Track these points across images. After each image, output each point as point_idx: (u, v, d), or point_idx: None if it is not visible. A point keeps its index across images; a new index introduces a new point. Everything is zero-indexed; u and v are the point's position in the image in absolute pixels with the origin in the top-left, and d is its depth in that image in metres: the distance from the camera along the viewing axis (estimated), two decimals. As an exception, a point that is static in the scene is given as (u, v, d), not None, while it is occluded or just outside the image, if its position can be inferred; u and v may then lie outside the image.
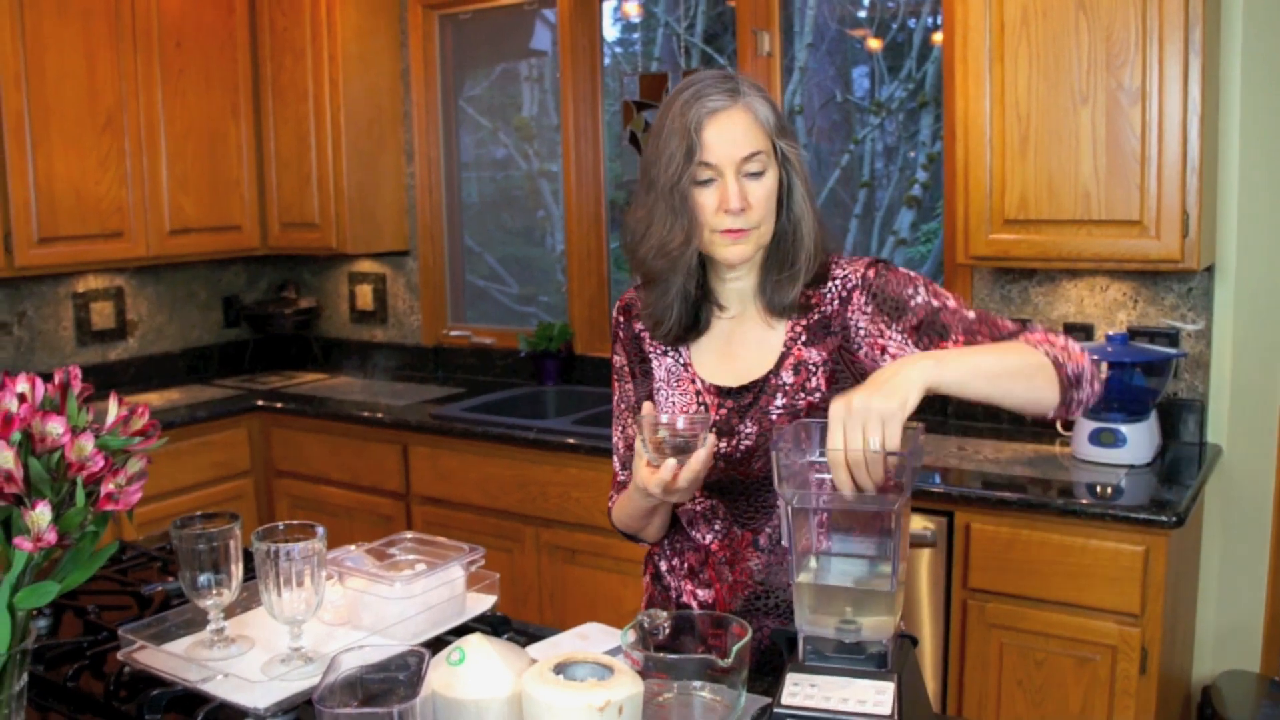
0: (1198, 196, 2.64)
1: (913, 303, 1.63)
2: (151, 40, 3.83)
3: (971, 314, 1.62)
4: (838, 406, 1.34)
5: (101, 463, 1.18)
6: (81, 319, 4.07)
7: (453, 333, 4.37)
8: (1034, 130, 2.78)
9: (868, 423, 1.31)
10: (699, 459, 1.50)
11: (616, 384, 1.88)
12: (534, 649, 1.63)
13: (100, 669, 1.70)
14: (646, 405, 1.63)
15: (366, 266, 4.56)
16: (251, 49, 4.20)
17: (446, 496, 3.58)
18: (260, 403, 4.00)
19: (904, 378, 1.36)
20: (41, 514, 1.13)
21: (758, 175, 1.59)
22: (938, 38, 4.42)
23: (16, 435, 1.14)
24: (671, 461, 1.50)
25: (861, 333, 1.66)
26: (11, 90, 3.44)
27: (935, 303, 1.62)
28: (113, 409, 1.25)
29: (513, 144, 4.57)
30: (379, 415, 3.72)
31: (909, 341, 1.61)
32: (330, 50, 4.05)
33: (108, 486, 1.18)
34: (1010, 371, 1.48)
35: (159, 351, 4.35)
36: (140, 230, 3.86)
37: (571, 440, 3.27)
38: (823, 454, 1.35)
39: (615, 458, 1.89)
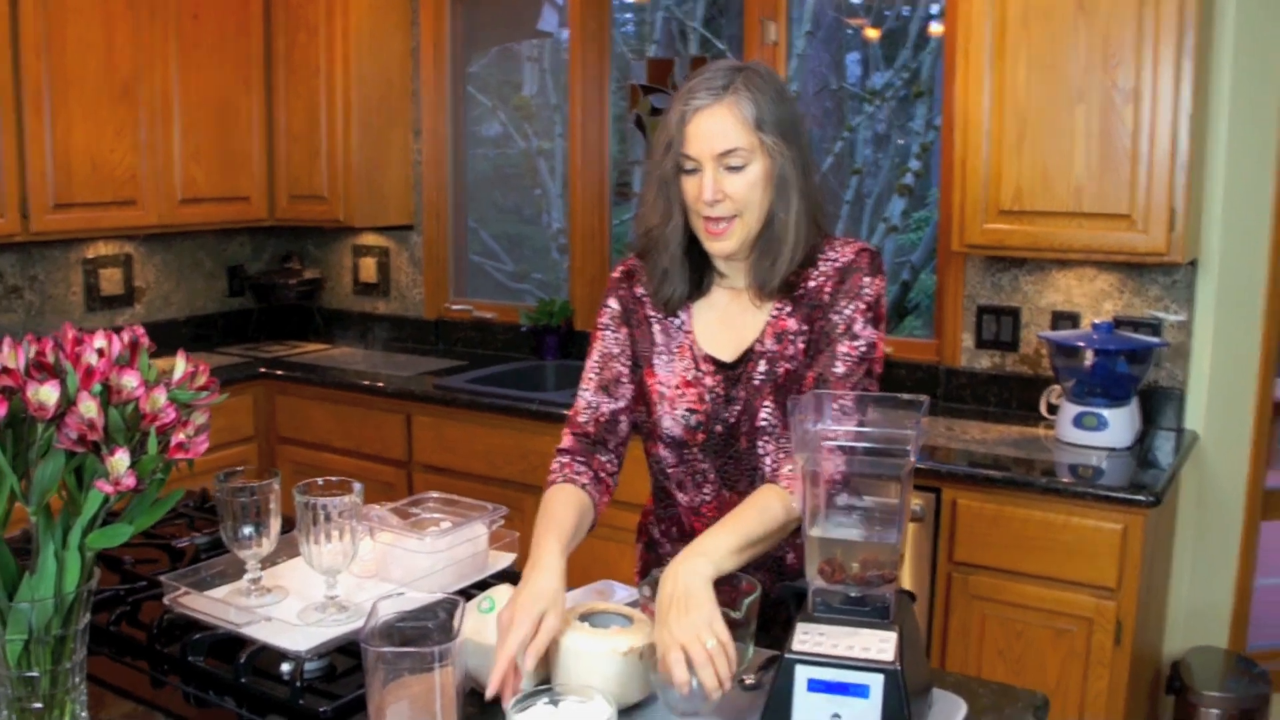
0: (1185, 193, 2.75)
1: (834, 315, 1.72)
2: (169, 13, 3.89)
3: (848, 383, 1.69)
4: (664, 641, 1.40)
5: (173, 414, 1.27)
6: (91, 284, 4.14)
7: (454, 307, 4.47)
8: (1030, 125, 2.89)
9: (701, 636, 1.39)
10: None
11: (601, 334, 1.89)
12: (555, 602, 1.73)
13: (136, 617, 1.80)
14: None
15: (370, 240, 4.64)
16: (265, 24, 4.26)
17: (449, 465, 3.68)
18: (263, 370, 4.09)
19: (696, 589, 1.44)
20: (120, 460, 1.22)
21: (738, 169, 1.66)
22: (935, 28, 4.52)
23: (97, 387, 1.23)
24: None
25: (826, 302, 1.75)
26: (32, 59, 3.50)
27: (842, 343, 1.70)
28: (180, 365, 1.34)
29: (510, 122, 4.66)
30: (383, 385, 3.81)
31: (812, 331, 1.74)
32: (343, 27, 4.12)
33: (178, 436, 1.28)
34: (770, 536, 1.59)
35: (165, 318, 4.43)
36: (153, 198, 3.94)
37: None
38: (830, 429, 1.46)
39: (581, 397, 1.89)
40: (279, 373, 4.08)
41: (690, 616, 1.41)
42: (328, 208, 4.27)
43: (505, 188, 4.72)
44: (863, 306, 1.72)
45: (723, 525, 1.58)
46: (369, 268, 4.66)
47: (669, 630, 1.42)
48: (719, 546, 1.52)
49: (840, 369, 1.70)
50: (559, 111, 4.56)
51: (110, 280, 4.20)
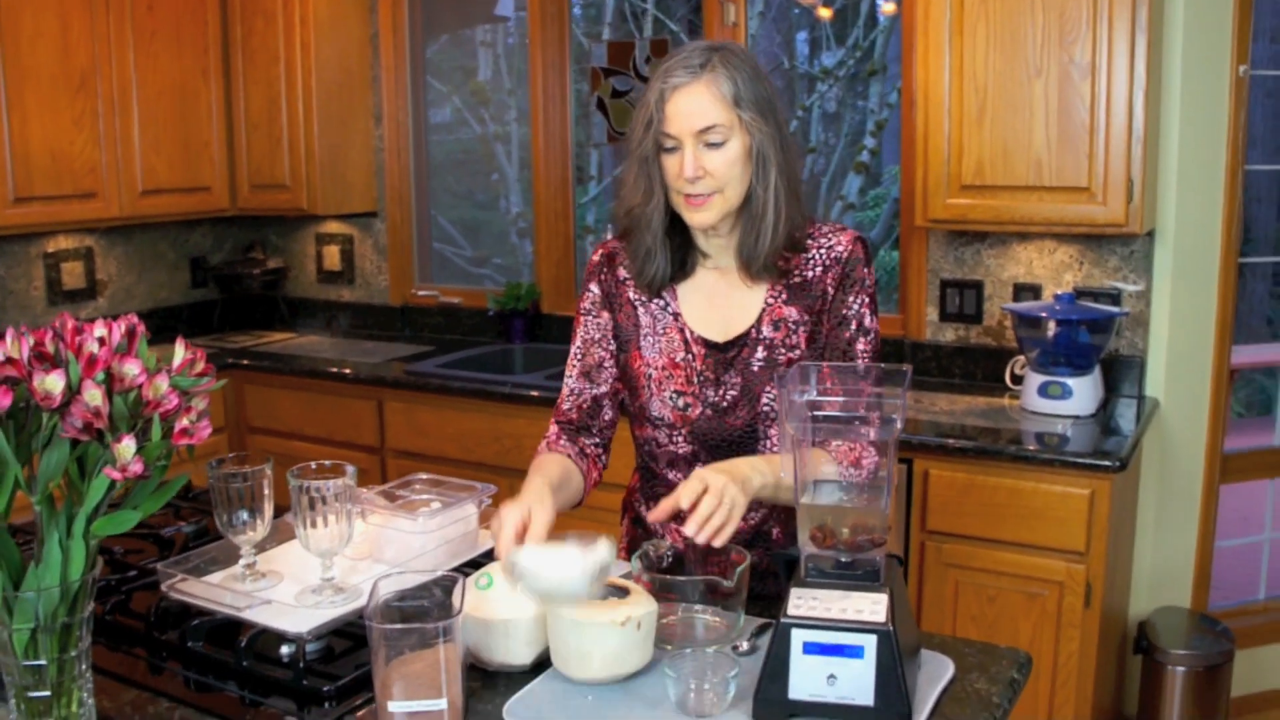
0: (1141, 165, 2.82)
1: (845, 311, 1.80)
2: (124, 2, 3.86)
3: (861, 367, 1.78)
4: (694, 477, 1.58)
5: (175, 400, 1.29)
6: (52, 279, 4.11)
7: (420, 292, 4.47)
8: (990, 101, 2.94)
9: (723, 502, 1.55)
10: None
11: (583, 320, 1.93)
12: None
13: (129, 606, 1.80)
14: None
15: (334, 228, 4.63)
16: (221, 12, 4.23)
17: (422, 450, 3.70)
18: (231, 361, 4.08)
19: (741, 473, 1.61)
20: (127, 447, 1.24)
21: (717, 145, 1.70)
22: (886, 7, 4.56)
23: (100, 375, 1.25)
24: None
25: (829, 299, 1.80)
26: (-14, 51, 3.47)
27: (859, 341, 1.81)
28: (179, 352, 1.36)
29: (465, 107, 4.65)
30: (354, 372, 3.82)
31: (819, 324, 1.81)
32: (301, 14, 4.09)
33: (181, 423, 1.30)
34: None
35: (128, 311, 4.36)
36: (114, 191, 3.91)
37: (545, 395, 3.39)
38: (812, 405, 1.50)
39: (565, 385, 1.94)
40: (245, 363, 4.07)
41: (728, 477, 1.57)
42: (291, 196, 4.25)
43: (460, 173, 4.72)
44: (866, 299, 1.81)
45: (769, 459, 1.72)
46: (333, 255, 4.65)
47: (702, 472, 1.58)
48: (769, 470, 1.66)
49: (860, 366, 1.78)
50: (514, 96, 4.56)
51: (72, 274, 4.17)
